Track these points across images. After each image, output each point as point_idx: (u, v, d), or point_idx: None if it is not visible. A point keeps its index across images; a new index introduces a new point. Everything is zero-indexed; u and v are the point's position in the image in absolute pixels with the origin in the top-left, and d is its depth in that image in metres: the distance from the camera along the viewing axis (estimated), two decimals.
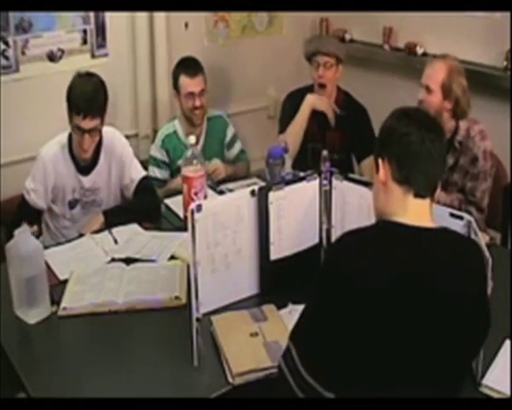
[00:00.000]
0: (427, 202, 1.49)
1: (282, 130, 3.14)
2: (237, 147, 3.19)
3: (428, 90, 2.50)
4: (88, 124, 2.36)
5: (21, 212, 2.47)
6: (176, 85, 3.02)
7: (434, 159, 1.45)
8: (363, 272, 1.37)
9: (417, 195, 1.47)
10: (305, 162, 2.95)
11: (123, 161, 2.59)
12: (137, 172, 2.63)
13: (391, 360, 1.38)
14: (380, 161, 1.50)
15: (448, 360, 1.42)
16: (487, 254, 1.54)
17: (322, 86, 3.03)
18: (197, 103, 2.96)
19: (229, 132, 3.17)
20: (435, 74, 2.51)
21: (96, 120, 2.37)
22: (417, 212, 1.47)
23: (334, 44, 3.12)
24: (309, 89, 3.14)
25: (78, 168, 2.51)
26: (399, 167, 1.47)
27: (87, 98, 2.35)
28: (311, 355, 1.45)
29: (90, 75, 2.46)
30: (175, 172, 2.97)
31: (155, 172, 3.01)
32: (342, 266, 1.41)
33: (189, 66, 3.00)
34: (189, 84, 2.96)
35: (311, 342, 1.46)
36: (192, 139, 2.47)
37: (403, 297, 1.37)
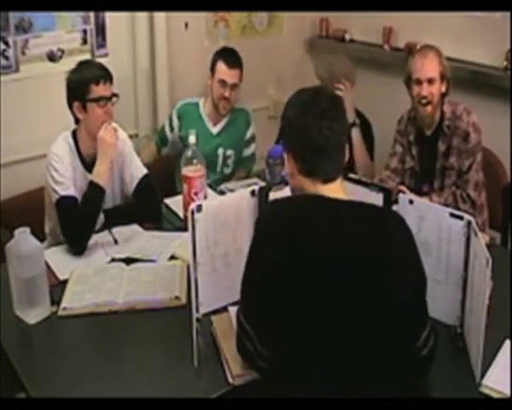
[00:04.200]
0: (337, 181, 1.56)
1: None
2: (252, 148, 3.26)
3: (431, 82, 2.53)
4: (108, 89, 2.40)
5: (68, 212, 2.34)
6: (213, 68, 3.07)
7: (334, 144, 1.52)
8: (292, 239, 1.45)
9: (326, 181, 1.54)
10: None
11: (123, 156, 2.54)
12: (138, 169, 2.57)
13: (314, 330, 1.44)
14: (285, 154, 1.59)
15: (378, 329, 1.44)
16: (487, 253, 1.54)
17: None
18: (226, 94, 3.04)
19: (250, 131, 3.24)
20: (432, 65, 2.55)
21: (111, 85, 2.43)
22: (330, 191, 1.54)
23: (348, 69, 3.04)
24: None
25: (84, 166, 2.47)
26: (304, 162, 1.54)
27: (101, 66, 2.42)
28: (248, 307, 1.56)
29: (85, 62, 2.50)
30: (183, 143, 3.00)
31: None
32: (272, 230, 1.51)
33: (230, 56, 3.07)
34: (224, 72, 3.02)
35: (249, 296, 1.57)
36: (192, 139, 2.46)
37: (325, 267, 1.42)
